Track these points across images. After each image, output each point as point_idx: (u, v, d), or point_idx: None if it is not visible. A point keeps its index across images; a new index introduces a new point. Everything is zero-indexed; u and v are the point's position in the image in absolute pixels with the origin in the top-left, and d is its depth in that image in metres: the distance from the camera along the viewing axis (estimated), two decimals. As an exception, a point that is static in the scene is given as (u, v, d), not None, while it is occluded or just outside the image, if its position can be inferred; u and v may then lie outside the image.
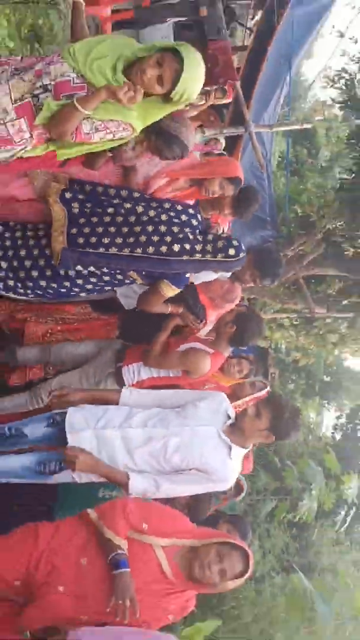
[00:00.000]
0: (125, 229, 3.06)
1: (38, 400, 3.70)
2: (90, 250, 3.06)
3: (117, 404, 3.16)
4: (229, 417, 3.08)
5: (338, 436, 16.59)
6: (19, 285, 3.15)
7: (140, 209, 3.18)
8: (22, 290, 3.17)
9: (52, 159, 2.86)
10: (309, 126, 7.50)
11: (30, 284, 3.13)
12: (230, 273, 3.86)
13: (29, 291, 3.18)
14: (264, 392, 3.92)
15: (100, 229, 3.07)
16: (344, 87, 8.45)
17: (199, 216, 3.37)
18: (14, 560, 2.52)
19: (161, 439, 2.93)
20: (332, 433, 16.84)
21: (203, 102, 5.40)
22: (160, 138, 3.00)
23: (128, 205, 3.18)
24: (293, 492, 9.03)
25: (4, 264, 3.10)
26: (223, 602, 6.48)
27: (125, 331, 3.89)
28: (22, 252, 3.12)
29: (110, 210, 3.15)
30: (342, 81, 8.39)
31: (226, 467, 2.98)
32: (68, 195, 3.13)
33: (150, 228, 3.08)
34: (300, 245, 9.12)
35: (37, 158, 2.82)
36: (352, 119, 8.93)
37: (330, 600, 6.89)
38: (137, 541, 2.58)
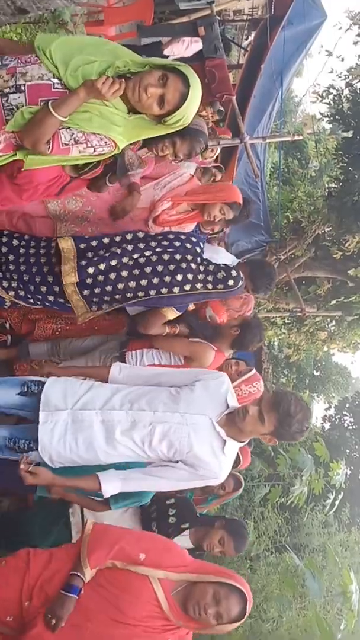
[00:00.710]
0: (136, 271, 2.98)
1: (56, 354, 3.74)
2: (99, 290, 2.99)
3: (106, 381, 2.68)
4: (228, 406, 2.56)
5: (327, 426, 16.59)
6: (29, 296, 3.07)
7: (144, 245, 3.09)
8: (32, 301, 3.10)
9: (50, 189, 2.53)
10: (300, 138, 7.50)
11: (40, 297, 3.05)
12: None
13: (38, 302, 3.10)
14: (252, 374, 3.81)
15: (112, 275, 2.98)
16: (331, 102, 8.43)
17: (201, 244, 3.35)
18: (5, 597, 2.23)
19: (147, 425, 2.45)
20: (322, 423, 16.84)
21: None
22: (187, 137, 2.91)
23: (131, 247, 3.08)
24: (285, 478, 9.02)
25: (15, 276, 3.02)
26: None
27: (135, 329, 3.86)
28: (34, 269, 3.02)
29: (118, 250, 3.04)
30: (330, 97, 8.38)
31: (218, 462, 2.49)
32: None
33: (159, 268, 3.00)
34: (292, 249, 9.14)
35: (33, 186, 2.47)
36: (339, 132, 8.95)
37: (320, 577, 6.89)
38: (133, 573, 2.26)
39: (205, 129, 2.89)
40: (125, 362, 3.49)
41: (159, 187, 3.45)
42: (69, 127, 2.18)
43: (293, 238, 9.17)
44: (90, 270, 2.95)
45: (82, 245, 3.06)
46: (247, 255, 8.16)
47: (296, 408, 2.51)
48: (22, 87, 2.13)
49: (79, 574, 2.22)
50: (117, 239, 3.14)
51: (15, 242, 3.09)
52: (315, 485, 8.89)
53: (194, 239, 3.30)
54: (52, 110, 2.08)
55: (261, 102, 7.75)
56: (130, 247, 3.08)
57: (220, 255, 4.00)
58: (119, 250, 3.04)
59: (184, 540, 3.33)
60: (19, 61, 2.17)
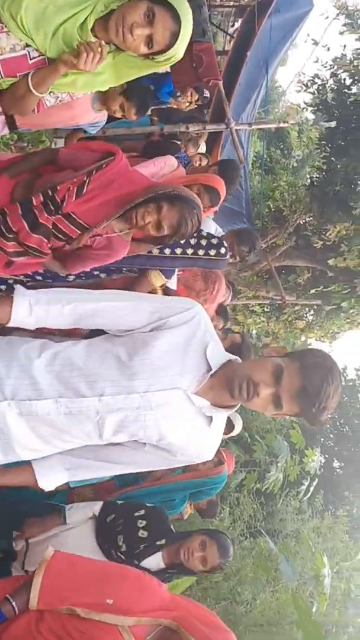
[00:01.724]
0: None
1: None
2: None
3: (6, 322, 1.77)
4: (209, 366, 1.76)
5: (303, 415, 16.78)
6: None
7: None
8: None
9: None
10: (285, 125, 7.50)
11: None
12: None
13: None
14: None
15: None
16: (315, 92, 8.45)
17: None
18: None
19: (92, 417, 1.71)
20: (297, 412, 17.03)
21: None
22: (176, 204, 2.39)
23: None
24: (261, 465, 9.12)
25: None
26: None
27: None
28: None
29: None
30: (315, 86, 8.39)
31: (201, 445, 1.84)
32: None
33: None
34: (273, 238, 9.18)
35: None
36: (322, 122, 8.97)
37: (293, 561, 7.01)
38: (98, 623, 1.76)
39: (201, 205, 2.44)
40: None
41: (146, 172, 3.38)
42: (52, 92, 2.07)
43: (274, 227, 9.21)
44: None
45: None
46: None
47: (332, 389, 1.67)
48: None
49: (13, 602, 1.78)
50: None
51: None
52: (291, 472, 9.01)
53: None
54: (32, 89, 1.96)
55: (246, 89, 7.72)
56: None
57: (207, 224, 4.01)
58: None
59: (153, 560, 2.83)
60: None
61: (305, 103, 9.31)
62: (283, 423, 12.65)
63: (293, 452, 9.40)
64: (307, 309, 9.96)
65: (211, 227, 4.03)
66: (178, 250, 3.00)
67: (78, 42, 1.87)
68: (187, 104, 5.53)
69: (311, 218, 9.05)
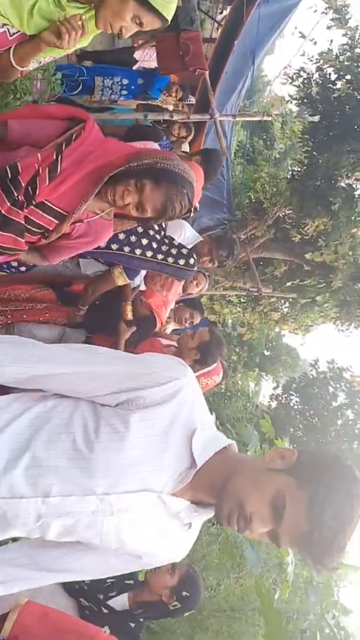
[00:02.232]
0: None
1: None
2: None
3: None
4: (194, 461, 1.32)
5: (274, 404, 16.99)
6: None
7: None
8: None
9: None
10: (269, 118, 7.51)
11: None
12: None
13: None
14: (213, 367, 3.66)
15: None
16: (301, 86, 8.45)
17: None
18: None
19: (33, 522, 1.30)
20: (269, 401, 17.24)
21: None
22: (162, 183, 2.08)
23: None
24: (231, 453, 9.21)
25: None
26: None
27: (88, 322, 3.72)
28: None
29: None
30: (300, 79, 8.39)
31: (174, 550, 1.47)
32: None
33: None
34: (252, 229, 9.21)
35: None
36: (305, 115, 9.00)
37: (258, 549, 7.13)
38: None
39: (194, 179, 2.06)
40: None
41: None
42: (34, 59, 2.08)
43: (254, 218, 9.24)
44: None
45: None
46: (208, 233, 8.19)
47: (350, 529, 1.26)
48: None
49: None
50: None
51: None
52: (259, 461, 9.15)
53: None
54: (14, 64, 1.98)
55: (232, 79, 7.70)
56: None
57: (185, 230, 3.97)
58: None
59: (120, 600, 2.75)
60: None
61: (289, 96, 9.32)
62: (254, 412, 12.81)
63: (263, 442, 9.52)
64: (282, 301, 10.05)
65: (185, 230, 3.96)
66: (149, 253, 2.97)
67: (59, 21, 1.86)
68: (174, 102, 5.52)
69: (291, 211, 9.11)
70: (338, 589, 8.96)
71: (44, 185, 1.88)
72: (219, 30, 8.83)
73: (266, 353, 17.36)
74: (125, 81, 5.73)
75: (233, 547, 7.43)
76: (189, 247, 3.81)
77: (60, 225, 2.00)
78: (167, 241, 3.05)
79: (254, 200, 9.63)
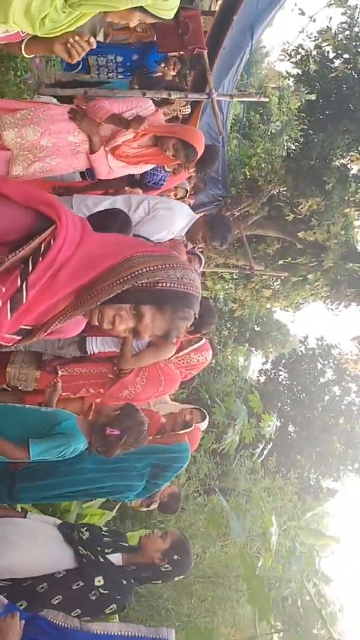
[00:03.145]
0: None
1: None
2: None
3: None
4: None
5: (262, 379, 17.23)
6: None
7: None
8: None
9: None
10: (266, 99, 7.52)
11: None
12: (184, 233, 3.97)
13: None
14: (202, 343, 3.87)
15: None
16: (298, 62, 8.43)
17: None
18: None
19: None
20: (258, 377, 17.47)
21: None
22: None
23: None
24: (219, 426, 9.43)
25: None
26: (150, 515, 6.82)
27: None
28: None
29: None
30: (298, 56, 8.36)
31: None
32: None
33: None
34: (246, 206, 9.27)
35: None
36: (303, 92, 8.97)
37: (244, 519, 7.38)
38: None
39: (199, 286, 1.74)
40: (85, 347, 3.49)
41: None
42: None
43: (248, 195, 9.28)
44: None
45: None
46: (203, 209, 8.25)
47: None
48: None
49: None
50: None
51: None
52: (247, 435, 9.36)
53: None
54: (25, 54, 2.18)
55: (230, 54, 7.66)
56: None
57: (175, 223, 4.02)
58: None
59: (114, 557, 3.04)
60: None
61: (287, 72, 9.29)
62: (243, 387, 13.01)
63: (251, 416, 9.74)
64: (274, 279, 10.17)
65: (175, 223, 4.02)
66: None
67: (69, 42, 2.06)
68: (173, 73, 5.52)
69: (285, 190, 9.16)
70: (319, 559, 9.31)
71: (5, 321, 1.45)
72: (218, 3, 8.75)
73: (256, 329, 17.54)
74: (119, 58, 5.70)
75: (219, 516, 7.68)
76: (183, 234, 3.93)
77: (26, 339, 1.60)
78: None
79: (248, 177, 9.67)
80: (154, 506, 4.12)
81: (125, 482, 3.28)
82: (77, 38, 2.03)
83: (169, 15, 1.98)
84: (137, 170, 3.65)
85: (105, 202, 3.61)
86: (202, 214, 5.95)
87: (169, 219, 3.72)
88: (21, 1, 1.84)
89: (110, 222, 2.93)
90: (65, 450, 2.71)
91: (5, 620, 1.97)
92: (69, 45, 2.07)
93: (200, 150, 3.57)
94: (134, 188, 4.03)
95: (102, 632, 2.06)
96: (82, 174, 3.92)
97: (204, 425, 4.42)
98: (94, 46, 2.11)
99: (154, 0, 1.89)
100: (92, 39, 2.07)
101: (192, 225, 3.96)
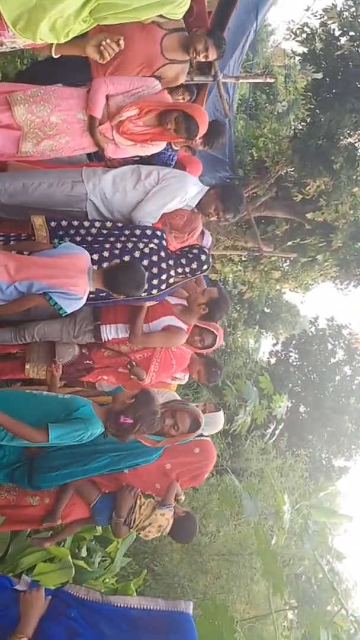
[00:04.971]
0: None
1: (21, 339, 3.66)
2: None
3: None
4: None
5: (273, 361, 17.28)
6: None
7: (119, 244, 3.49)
8: None
9: None
10: (271, 80, 7.48)
11: None
12: (194, 204, 3.99)
13: None
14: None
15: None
16: (304, 41, 8.34)
17: (165, 236, 3.68)
18: None
19: None
20: (268, 358, 17.52)
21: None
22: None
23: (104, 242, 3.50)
24: (231, 408, 9.52)
25: None
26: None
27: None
28: None
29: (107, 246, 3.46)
30: (304, 35, 8.28)
31: None
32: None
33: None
34: (254, 188, 9.25)
35: None
36: (309, 71, 8.90)
37: (256, 498, 7.50)
38: None
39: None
40: (100, 335, 3.66)
41: (128, 96, 3.39)
42: None
43: (256, 177, 9.26)
44: None
45: (53, 224, 3.40)
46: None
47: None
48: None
49: None
50: (86, 223, 3.51)
51: None
52: (258, 415, 9.46)
53: (158, 233, 3.62)
54: (54, 55, 2.42)
55: (235, 35, 7.61)
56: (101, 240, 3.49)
57: (190, 176, 4.04)
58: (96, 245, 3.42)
59: None
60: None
61: (292, 51, 9.20)
62: (253, 369, 13.08)
63: (261, 397, 9.82)
64: (283, 260, 10.17)
65: (196, 185, 4.04)
66: (163, 287, 3.59)
67: (101, 44, 2.29)
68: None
69: (292, 170, 9.12)
70: (332, 537, 9.43)
71: None
72: (223, -18, 8.65)
73: (266, 310, 17.55)
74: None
75: (232, 496, 7.81)
76: (194, 204, 3.96)
77: None
78: (172, 263, 3.64)
79: (256, 159, 9.63)
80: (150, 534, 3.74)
81: (141, 458, 3.43)
82: (108, 41, 2.14)
83: (181, 15, 2.08)
84: (144, 151, 3.63)
85: (114, 171, 3.68)
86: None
87: (181, 186, 3.74)
88: (46, 21, 1.94)
89: (126, 276, 3.25)
90: (83, 435, 2.81)
91: (32, 593, 2.07)
92: (101, 47, 2.15)
93: (203, 126, 3.55)
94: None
95: (122, 605, 2.16)
96: (89, 156, 3.94)
97: (219, 418, 4.45)
98: (123, 47, 2.17)
99: (171, 8, 2.00)
100: (121, 40, 2.14)
101: (203, 198, 3.95)
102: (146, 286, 3.33)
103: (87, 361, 3.74)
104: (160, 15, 2.05)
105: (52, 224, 3.45)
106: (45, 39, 2.07)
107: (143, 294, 3.37)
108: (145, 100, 3.40)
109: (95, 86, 3.26)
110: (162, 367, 3.80)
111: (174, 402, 3.73)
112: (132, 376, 3.62)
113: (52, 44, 2.23)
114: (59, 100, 3.16)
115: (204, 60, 3.74)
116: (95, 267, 3.27)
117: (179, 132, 3.49)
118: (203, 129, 3.58)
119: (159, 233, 3.61)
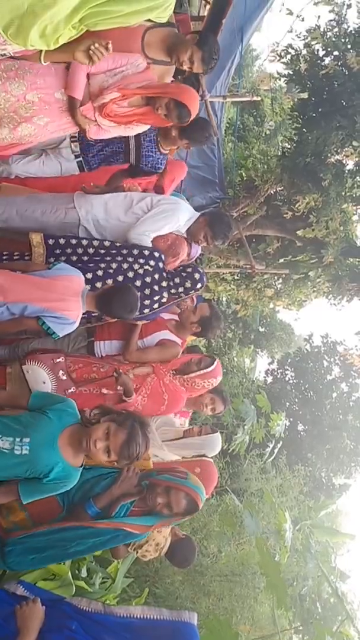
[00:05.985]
0: None
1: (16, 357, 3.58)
2: None
3: None
4: None
5: (269, 380, 17.25)
6: None
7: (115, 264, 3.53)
8: None
9: None
10: (257, 98, 7.63)
11: None
12: (184, 230, 4.05)
13: None
14: (211, 369, 3.82)
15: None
16: (289, 62, 8.53)
17: (163, 257, 3.73)
18: None
19: None
20: (264, 377, 17.49)
21: None
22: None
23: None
24: (229, 427, 9.49)
25: None
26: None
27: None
28: None
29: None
30: (288, 56, 8.47)
31: None
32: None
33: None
34: (244, 207, 9.36)
35: None
36: (294, 90, 9.08)
37: (257, 517, 7.43)
38: None
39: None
40: (94, 351, 3.66)
41: (111, 75, 3.23)
42: None
43: (246, 196, 9.37)
44: None
45: (51, 242, 3.44)
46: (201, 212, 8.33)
47: None
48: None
49: None
50: (84, 242, 3.54)
51: None
52: (256, 435, 9.42)
53: (156, 254, 3.66)
54: (43, 62, 2.47)
55: (221, 58, 7.70)
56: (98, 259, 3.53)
57: (183, 203, 4.09)
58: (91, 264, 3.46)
59: None
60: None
61: (278, 73, 9.39)
62: (250, 388, 13.06)
63: (259, 416, 9.79)
64: (275, 278, 10.24)
65: (186, 210, 4.03)
66: (155, 306, 3.65)
67: (90, 48, 2.32)
68: None
69: (282, 188, 9.24)
70: (335, 556, 9.32)
71: None
72: (207, 8, 8.86)
73: (261, 329, 17.58)
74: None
75: (232, 516, 7.74)
76: (184, 231, 4.02)
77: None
78: (164, 285, 3.72)
79: (245, 178, 9.76)
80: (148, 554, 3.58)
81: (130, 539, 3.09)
82: (97, 45, 2.18)
83: (167, 18, 2.14)
84: (129, 131, 3.50)
85: (106, 196, 3.73)
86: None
87: (173, 213, 3.80)
88: (37, 27, 2.00)
89: (120, 300, 3.25)
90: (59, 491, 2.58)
91: (28, 605, 2.05)
92: (90, 51, 2.19)
93: (194, 111, 3.47)
94: (134, 178, 4.05)
95: (124, 615, 2.13)
96: (79, 166, 3.83)
97: (216, 440, 4.44)
98: (111, 51, 2.21)
99: (159, 12, 2.06)
100: (109, 45, 2.19)
101: (193, 225, 4.02)
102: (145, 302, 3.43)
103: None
104: (148, 20, 2.11)
105: (50, 241, 3.47)
106: (35, 45, 2.11)
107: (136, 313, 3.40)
108: (129, 87, 3.25)
109: (75, 64, 2.98)
110: (152, 398, 3.65)
111: (169, 476, 3.22)
112: (118, 387, 3.46)
113: (41, 51, 2.27)
114: (35, 77, 2.92)
115: (187, 70, 3.43)
116: (88, 287, 3.28)
117: (170, 118, 3.41)
118: (194, 112, 3.50)
119: (156, 254, 3.65)
